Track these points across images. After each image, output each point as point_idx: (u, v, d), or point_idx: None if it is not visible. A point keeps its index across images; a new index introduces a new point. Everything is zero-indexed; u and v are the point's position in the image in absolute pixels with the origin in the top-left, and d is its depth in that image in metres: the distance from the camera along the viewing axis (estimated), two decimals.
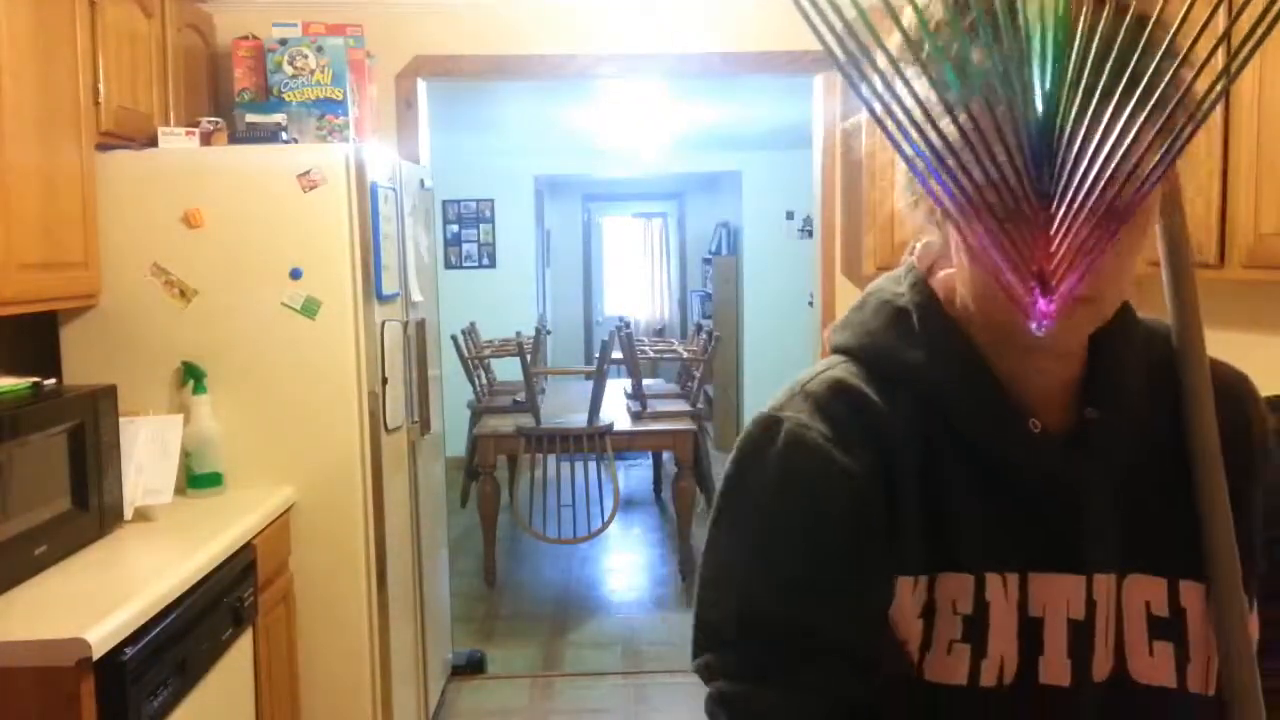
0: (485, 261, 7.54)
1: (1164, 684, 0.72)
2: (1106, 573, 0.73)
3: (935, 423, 0.74)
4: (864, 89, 0.58)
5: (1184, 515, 0.73)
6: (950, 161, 0.56)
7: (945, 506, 0.73)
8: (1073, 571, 0.72)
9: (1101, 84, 0.56)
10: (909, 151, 0.58)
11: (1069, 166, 0.56)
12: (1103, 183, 0.56)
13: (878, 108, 0.58)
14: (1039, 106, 0.56)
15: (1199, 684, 0.72)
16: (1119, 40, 0.56)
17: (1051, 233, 0.57)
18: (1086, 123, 0.56)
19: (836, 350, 0.80)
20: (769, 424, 0.75)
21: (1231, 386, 0.79)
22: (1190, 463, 0.73)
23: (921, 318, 0.76)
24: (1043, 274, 0.57)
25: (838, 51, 0.57)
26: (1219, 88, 0.56)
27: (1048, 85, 0.56)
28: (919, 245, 0.80)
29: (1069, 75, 0.56)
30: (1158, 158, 0.56)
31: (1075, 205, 0.56)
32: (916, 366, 0.75)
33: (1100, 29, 0.56)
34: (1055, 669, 0.72)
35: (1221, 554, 0.70)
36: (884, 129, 0.58)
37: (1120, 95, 0.56)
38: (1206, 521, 0.71)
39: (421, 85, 3.42)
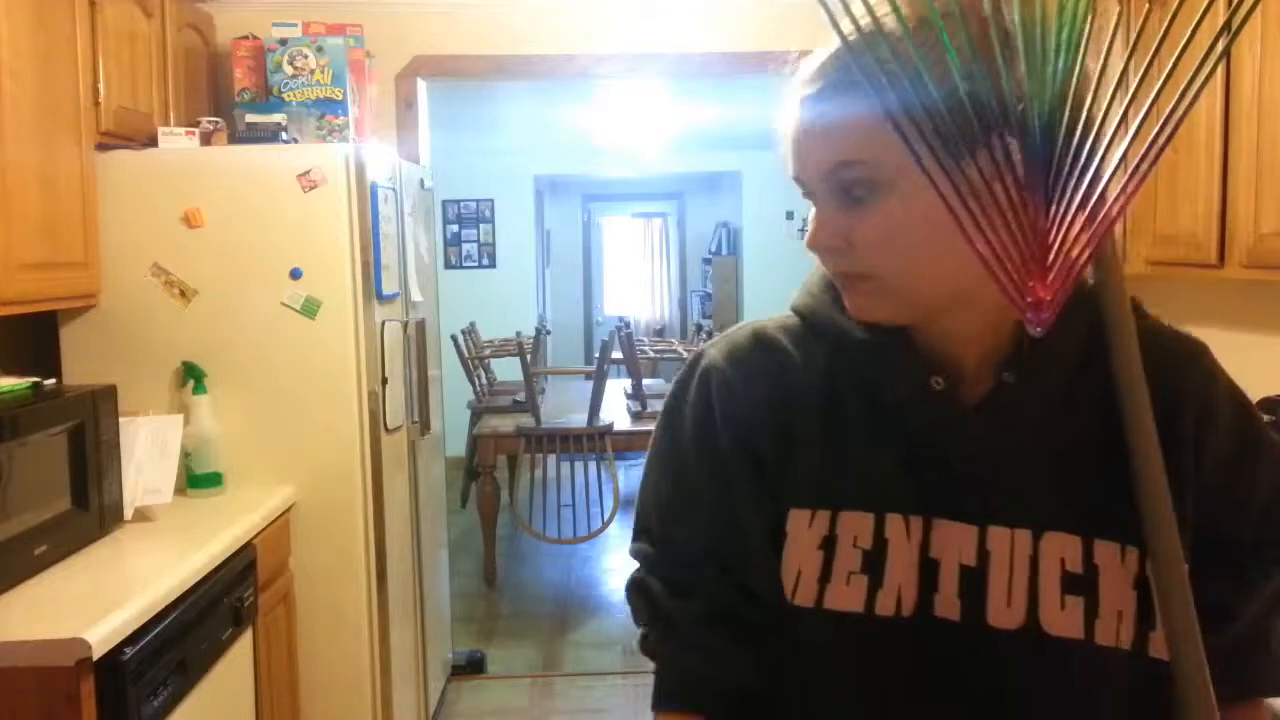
0: (485, 261, 7.54)
1: (1073, 635, 0.75)
2: (1008, 526, 0.77)
3: (848, 379, 0.81)
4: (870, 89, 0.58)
5: (1110, 475, 0.75)
6: (951, 163, 0.56)
7: (848, 451, 0.80)
8: (968, 521, 0.77)
9: (1101, 84, 0.56)
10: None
11: (1068, 166, 0.56)
12: (1101, 183, 0.56)
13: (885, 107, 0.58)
14: (1039, 104, 0.56)
15: (1107, 637, 0.75)
16: (1120, 39, 0.56)
17: (1047, 226, 0.57)
18: (1085, 122, 0.56)
19: (790, 308, 0.89)
20: (696, 358, 0.89)
21: (1175, 352, 0.81)
22: (1123, 432, 0.73)
23: None
24: (1040, 268, 0.57)
25: (848, 30, 0.57)
26: (1204, 72, 0.55)
27: (1047, 83, 0.56)
28: None
29: (1069, 74, 0.56)
30: (1144, 151, 0.56)
31: (1074, 205, 0.56)
32: (839, 324, 0.82)
33: (1100, 27, 0.56)
34: (947, 606, 0.77)
35: (1160, 527, 0.71)
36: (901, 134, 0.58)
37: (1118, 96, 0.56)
38: (1142, 490, 0.72)
39: (421, 85, 3.42)
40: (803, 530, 0.79)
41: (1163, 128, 0.56)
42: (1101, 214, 0.56)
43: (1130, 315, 0.72)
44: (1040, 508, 0.77)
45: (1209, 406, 0.79)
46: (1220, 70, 2.13)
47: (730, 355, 0.86)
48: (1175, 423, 0.77)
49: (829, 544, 0.78)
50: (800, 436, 0.81)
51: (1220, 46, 0.55)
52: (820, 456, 0.80)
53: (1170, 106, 0.55)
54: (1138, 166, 0.56)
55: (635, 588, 0.88)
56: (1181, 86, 0.55)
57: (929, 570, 0.77)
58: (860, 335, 0.80)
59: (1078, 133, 0.56)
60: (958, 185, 0.57)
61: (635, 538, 0.90)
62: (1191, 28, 0.55)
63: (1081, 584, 0.76)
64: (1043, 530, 0.77)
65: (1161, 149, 0.56)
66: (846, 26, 0.60)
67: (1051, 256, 0.57)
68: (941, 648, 0.77)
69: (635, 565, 0.91)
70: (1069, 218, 0.56)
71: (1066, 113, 0.56)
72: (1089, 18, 0.55)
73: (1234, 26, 0.55)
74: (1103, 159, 0.56)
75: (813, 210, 0.77)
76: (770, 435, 0.82)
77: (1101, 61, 0.56)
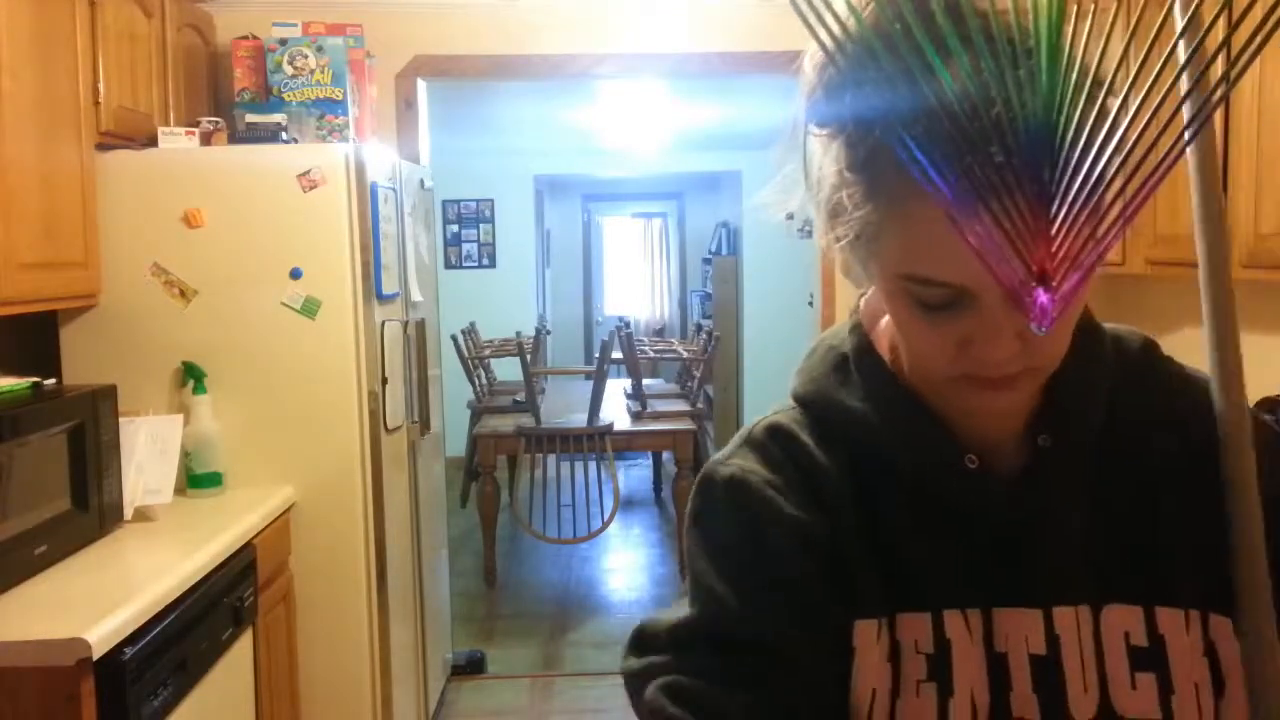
0: (485, 261, 7.54)
1: (1150, 717, 0.69)
2: (1071, 605, 0.71)
3: (875, 468, 0.74)
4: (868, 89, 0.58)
5: (1159, 536, 0.71)
6: (951, 163, 0.56)
7: (894, 549, 0.72)
8: (1031, 606, 0.71)
9: (1101, 83, 0.56)
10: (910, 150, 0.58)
11: (1069, 166, 0.56)
12: (1105, 182, 0.56)
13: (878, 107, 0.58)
14: (1036, 107, 0.56)
15: (1189, 714, 0.69)
16: (1119, 38, 0.56)
17: (1052, 233, 0.56)
18: (1089, 122, 0.55)
19: (792, 395, 0.81)
20: (714, 474, 0.77)
21: (1191, 382, 0.76)
22: (1164, 485, 0.70)
23: (858, 363, 0.77)
24: (1044, 275, 0.56)
25: (827, 42, 0.56)
26: (1219, 93, 0.55)
27: (1043, 86, 0.56)
28: (869, 292, 0.80)
29: (1069, 74, 0.56)
30: (1162, 156, 0.56)
31: (1075, 205, 0.56)
32: (854, 411, 0.75)
33: (1100, 27, 0.56)
34: (1024, 704, 0.70)
35: (1255, 590, 0.66)
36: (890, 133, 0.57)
37: (1122, 94, 0.55)
38: (1237, 554, 0.67)
39: (421, 85, 3.42)
40: (871, 644, 0.71)
41: (1163, 161, 0.56)
42: (1106, 217, 0.56)
43: (1240, 375, 0.68)
44: (1095, 580, 0.71)
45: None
46: (1219, 70, 2.13)
47: (760, 456, 0.76)
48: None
49: (895, 653, 0.71)
50: (845, 536, 0.73)
51: (1220, 93, 0.55)
52: (869, 557, 0.72)
53: (1170, 145, 0.55)
54: (1139, 173, 0.56)
55: (668, 692, 0.70)
56: (1180, 96, 0.55)
57: (997, 666, 0.70)
58: (880, 420, 0.74)
59: (1081, 132, 0.55)
60: (964, 192, 0.56)
61: (638, 653, 0.75)
62: (1196, 40, 0.55)
63: (1149, 658, 0.70)
64: (1101, 604, 0.71)
65: (1176, 158, 0.56)
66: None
67: (1054, 263, 0.56)
68: None
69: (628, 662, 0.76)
70: (1073, 221, 0.56)
71: (1063, 116, 0.55)
72: (1086, 18, 0.55)
73: (1232, 77, 0.55)
74: (1104, 162, 0.56)
75: (918, 315, 0.65)
76: (821, 535, 0.72)
77: (1099, 61, 0.56)
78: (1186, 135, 0.56)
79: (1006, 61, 0.56)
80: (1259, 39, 0.53)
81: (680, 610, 0.75)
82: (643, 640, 0.75)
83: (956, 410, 0.72)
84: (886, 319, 0.77)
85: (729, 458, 0.78)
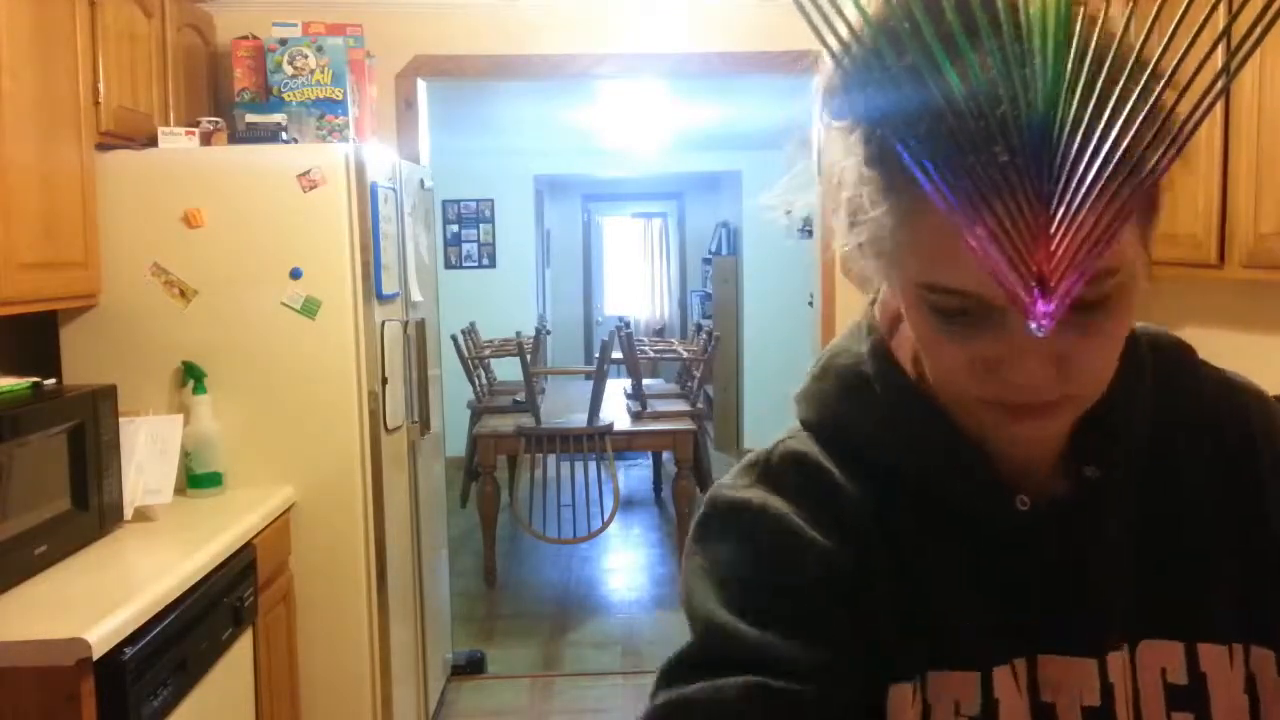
0: (485, 261, 7.54)
1: None
2: (1118, 647, 0.65)
3: (907, 505, 0.67)
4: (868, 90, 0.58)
5: (1201, 567, 0.67)
6: (950, 164, 0.56)
7: (932, 598, 0.65)
8: (1084, 654, 0.65)
9: (1101, 81, 0.56)
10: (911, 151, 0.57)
11: (1068, 166, 0.56)
12: (1102, 182, 0.55)
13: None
14: (1039, 105, 0.56)
15: None
16: (1118, 39, 0.56)
17: (1051, 232, 0.56)
18: (1086, 121, 0.55)
19: (801, 423, 0.73)
20: (728, 503, 0.69)
21: (1227, 399, 0.72)
22: (1214, 515, 0.66)
23: (885, 388, 0.69)
24: (1043, 276, 0.56)
25: (833, 44, 0.56)
26: (1218, 86, 0.55)
27: (1047, 84, 0.56)
28: (881, 293, 0.73)
29: (1068, 73, 0.56)
30: (1159, 154, 0.56)
31: (1075, 206, 0.56)
32: (880, 442, 0.68)
33: (1100, 26, 0.56)
34: None
35: None
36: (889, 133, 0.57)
37: (1120, 92, 0.55)
38: None
39: (421, 85, 3.42)
40: (905, 708, 0.63)
41: (1161, 156, 0.55)
42: (1105, 218, 0.56)
43: None
44: (1134, 614, 0.66)
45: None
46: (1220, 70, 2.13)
47: (780, 486, 0.68)
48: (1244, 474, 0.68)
49: (926, 715, 0.64)
50: (873, 576, 0.65)
51: (1219, 85, 0.54)
52: (901, 603, 0.65)
53: (1168, 138, 0.55)
54: (1136, 172, 0.55)
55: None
56: (1178, 92, 0.55)
57: (1042, 716, 0.64)
58: (915, 454, 0.67)
59: (1079, 132, 0.55)
60: (969, 193, 0.55)
61: (670, 683, 0.64)
62: (1192, 35, 0.54)
63: (1188, 697, 0.65)
64: (1138, 640, 0.66)
65: (1174, 157, 0.56)
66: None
67: (1054, 263, 0.56)
68: None
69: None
70: (1073, 221, 0.56)
71: (1067, 114, 0.55)
72: (1081, 11, 0.55)
73: (1233, 69, 0.54)
74: (1105, 161, 0.55)
75: (942, 334, 0.59)
76: (847, 567, 0.65)
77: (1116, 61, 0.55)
78: (1188, 128, 0.55)
79: (1014, 58, 0.55)
80: (1259, 29, 0.52)
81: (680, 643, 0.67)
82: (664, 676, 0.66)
83: (993, 442, 0.66)
84: (905, 327, 0.70)
85: (747, 485, 0.69)
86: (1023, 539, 0.66)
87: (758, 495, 0.68)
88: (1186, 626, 0.66)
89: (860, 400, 0.70)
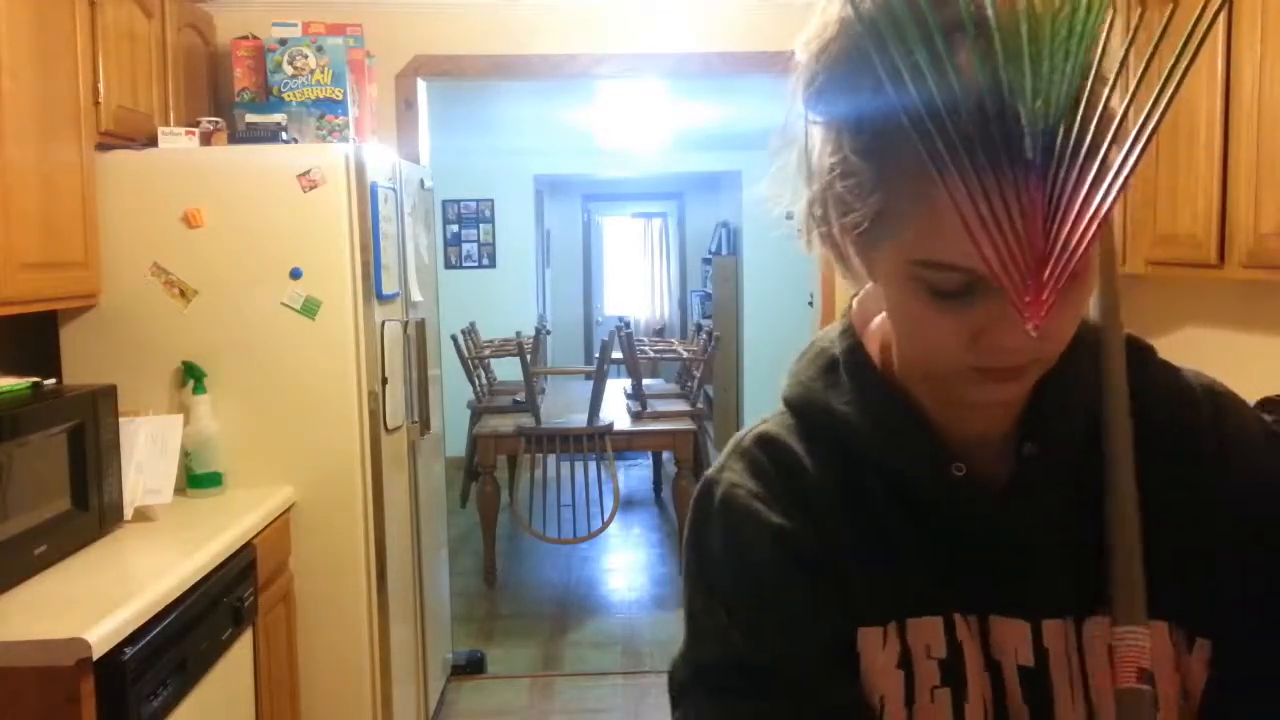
0: (485, 261, 7.54)
1: None
2: (1058, 617, 0.70)
3: (865, 472, 0.73)
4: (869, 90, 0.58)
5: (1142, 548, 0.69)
6: (957, 148, 0.56)
7: (892, 554, 0.72)
8: (1020, 617, 0.70)
9: (1097, 83, 0.56)
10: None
11: (1064, 167, 0.56)
12: (1091, 181, 0.56)
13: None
14: (1035, 107, 0.56)
15: None
16: (1117, 38, 0.56)
17: (1048, 220, 0.57)
18: (1079, 123, 0.56)
19: (783, 400, 0.80)
20: (708, 487, 0.78)
21: (1183, 392, 0.74)
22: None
23: (847, 366, 0.76)
24: (1040, 263, 0.57)
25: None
26: (1180, 72, 0.55)
27: (1045, 86, 0.56)
28: (861, 294, 0.79)
29: (1065, 74, 0.56)
30: (1137, 149, 0.56)
31: (1069, 206, 0.56)
32: (841, 415, 0.74)
33: (1100, 27, 0.56)
34: (1018, 715, 0.70)
35: (1124, 568, 0.66)
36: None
37: (1114, 95, 0.56)
38: (1113, 543, 0.67)
39: (421, 85, 3.42)
40: (877, 651, 0.70)
41: (1150, 112, 0.56)
42: (1095, 209, 0.56)
43: (1122, 354, 0.68)
44: (1078, 592, 0.70)
45: (1226, 450, 0.72)
46: (1220, 70, 2.13)
47: (749, 468, 0.76)
48: (1177, 465, 0.71)
49: (906, 660, 0.70)
50: (842, 542, 0.72)
51: (1212, 7, 0.54)
52: (868, 562, 0.72)
53: (1157, 89, 0.55)
54: (1127, 160, 0.56)
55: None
56: (1178, 79, 0.55)
57: (994, 673, 0.70)
58: (868, 424, 0.73)
59: (1081, 131, 0.56)
60: (971, 187, 0.56)
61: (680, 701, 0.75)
62: (1189, 26, 0.55)
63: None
64: (1085, 616, 0.70)
65: (1143, 151, 0.56)
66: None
67: (1051, 262, 0.56)
68: None
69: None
70: (1067, 215, 0.56)
71: (1073, 112, 0.56)
72: (1107, 14, 0.55)
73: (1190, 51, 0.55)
74: (1103, 157, 0.56)
75: (928, 304, 0.63)
76: (814, 544, 0.72)
77: (1105, 58, 0.56)
78: (1156, 115, 0.55)
79: (1012, 48, 0.56)
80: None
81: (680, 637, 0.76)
82: (672, 685, 0.76)
83: (952, 407, 0.71)
84: (878, 320, 0.76)
85: (720, 469, 0.78)
86: (964, 507, 0.71)
87: (727, 477, 0.77)
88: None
89: (830, 380, 0.77)
